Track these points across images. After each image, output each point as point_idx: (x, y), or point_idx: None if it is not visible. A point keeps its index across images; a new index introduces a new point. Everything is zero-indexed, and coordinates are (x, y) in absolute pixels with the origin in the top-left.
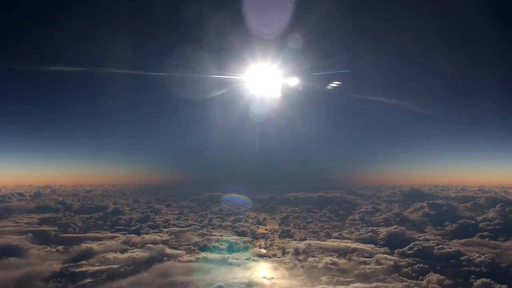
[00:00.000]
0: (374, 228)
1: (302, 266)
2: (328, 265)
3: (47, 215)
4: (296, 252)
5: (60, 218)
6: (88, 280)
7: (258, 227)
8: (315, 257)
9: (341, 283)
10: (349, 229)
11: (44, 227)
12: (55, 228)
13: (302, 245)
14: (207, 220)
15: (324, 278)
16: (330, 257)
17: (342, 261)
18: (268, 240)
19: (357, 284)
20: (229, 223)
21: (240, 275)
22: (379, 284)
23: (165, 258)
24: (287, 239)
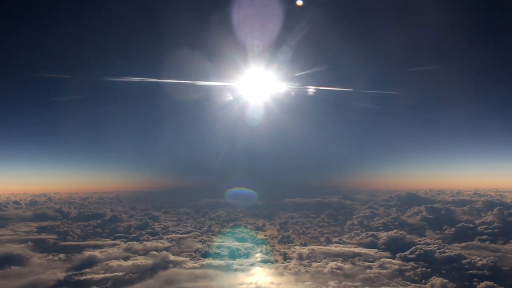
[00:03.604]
0: (374, 233)
1: (307, 271)
2: (334, 270)
3: (45, 223)
4: (300, 257)
5: (58, 226)
6: None
7: (257, 233)
8: (319, 262)
9: None
10: (349, 234)
11: (43, 235)
12: (54, 236)
13: (305, 250)
14: (206, 226)
15: (331, 283)
16: (335, 262)
17: (346, 266)
18: (268, 246)
19: None
20: (228, 229)
21: (247, 280)
22: None
23: (170, 265)
24: (287, 244)
